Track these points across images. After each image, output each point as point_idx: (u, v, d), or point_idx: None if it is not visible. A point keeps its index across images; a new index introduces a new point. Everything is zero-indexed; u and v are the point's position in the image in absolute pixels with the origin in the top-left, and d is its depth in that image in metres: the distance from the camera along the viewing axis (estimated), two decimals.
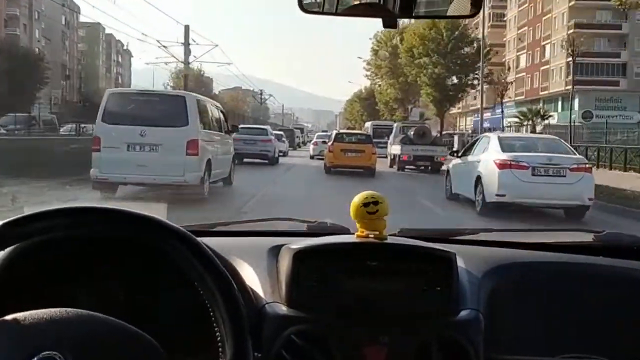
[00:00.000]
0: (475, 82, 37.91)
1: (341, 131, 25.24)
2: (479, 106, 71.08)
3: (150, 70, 69.15)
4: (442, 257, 1.25)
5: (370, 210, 1.24)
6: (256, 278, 1.26)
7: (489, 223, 9.53)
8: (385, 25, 1.17)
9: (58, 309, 0.86)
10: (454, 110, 76.66)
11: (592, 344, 1.33)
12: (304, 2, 1.19)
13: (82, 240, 1.07)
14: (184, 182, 10.16)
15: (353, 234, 1.30)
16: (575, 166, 10.55)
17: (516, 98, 57.30)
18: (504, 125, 37.73)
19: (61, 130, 29.64)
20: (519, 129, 37.85)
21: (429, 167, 21.64)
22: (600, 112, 39.40)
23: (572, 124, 28.36)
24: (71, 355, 0.81)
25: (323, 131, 52.46)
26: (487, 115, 66.65)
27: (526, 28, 58.79)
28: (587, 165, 11.18)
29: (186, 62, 28.65)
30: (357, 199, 1.26)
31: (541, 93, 53.43)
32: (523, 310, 1.34)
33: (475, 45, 37.98)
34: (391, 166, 23.66)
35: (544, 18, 55.31)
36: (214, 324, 0.97)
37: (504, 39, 62.69)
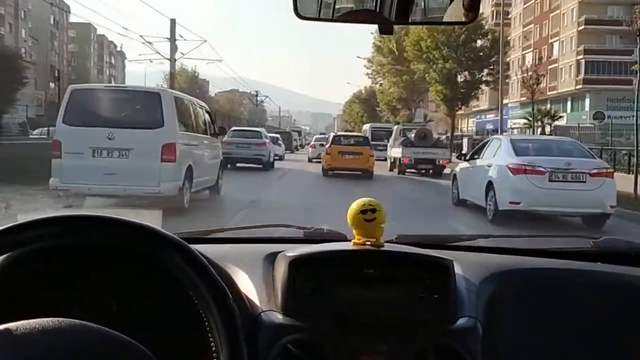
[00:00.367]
0: (489, 78, 35.03)
1: (339, 134, 25.21)
2: (482, 107, 70.31)
3: (148, 73, 68.64)
4: (440, 264, 1.25)
5: (368, 217, 1.25)
6: (252, 286, 1.26)
7: (501, 232, 8.84)
8: (381, 32, 1.18)
9: (51, 319, 0.85)
10: (458, 111, 76.47)
11: (591, 352, 1.35)
12: (300, 8, 1.20)
13: (75, 248, 1.08)
14: (158, 193, 9.02)
15: (350, 240, 1.31)
16: (595, 171, 9.98)
17: (521, 99, 56.19)
18: (509, 127, 37.03)
19: (32, 133, 28.88)
20: (524, 131, 36.85)
21: (431, 171, 21.36)
22: (613, 113, 38.54)
23: (584, 124, 27.65)
24: None
25: (321, 134, 52.30)
26: (490, 116, 66.20)
27: (532, 25, 58.04)
28: (609, 170, 10.58)
29: (172, 59, 27.30)
30: (355, 205, 1.27)
31: (549, 93, 51.47)
32: (521, 317, 1.34)
33: (489, 37, 34.86)
34: (391, 170, 23.32)
35: (551, 15, 54.51)
36: (209, 333, 0.98)
37: (508, 37, 61.63)
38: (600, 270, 1.46)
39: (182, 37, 28.58)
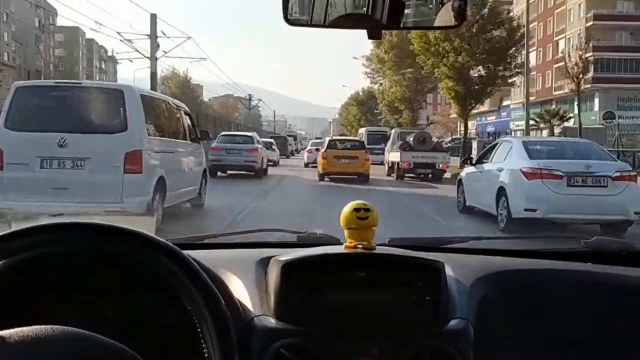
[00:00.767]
0: (506, 73, 31.32)
1: (334, 138, 25.09)
2: (482, 109, 69.50)
3: (142, 80, 67.60)
4: (431, 267, 1.28)
5: (361, 215, 1.28)
6: (245, 291, 1.28)
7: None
8: (370, 37, 1.21)
9: (44, 327, 0.87)
10: (454, 115, 75.45)
11: (583, 352, 1.36)
12: (289, 14, 1.21)
13: (69, 255, 1.08)
14: (121, 210, 7.56)
15: (342, 244, 1.33)
16: (617, 174, 9.36)
17: (524, 99, 55.38)
18: (512, 129, 36.08)
19: None
20: (527, 133, 35.79)
21: (430, 175, 21.28)
22: (624, 113, 37.62)
23: (592, 125, 26.89)
24: None
25: (317, 138, 52.19)
26: (491, 118, 65.53)
27: (536, 23, 57.36)
28: (632, 174, 9.89)
29: (153, 57, 25.45)
30: (348, 206, 1.30)
31: (555, 93, 50.36)
32: (513, 318, 1.35)
33: (507, 26, 30.76)
34: (389, 174, 23.10)
35: (556, 11, 53.79)
36: (202, 339, 1.00)
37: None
38: (590, 270, 1.48)
39: (164, 34, 27.08)
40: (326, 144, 21.14)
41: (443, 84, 32.61)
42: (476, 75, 31.47)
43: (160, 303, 1.15)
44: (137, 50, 26.24)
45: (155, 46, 25.20)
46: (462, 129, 34.79)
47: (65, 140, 7.68)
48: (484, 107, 66.87)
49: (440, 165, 21.11)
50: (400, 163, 21.10)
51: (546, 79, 54.11)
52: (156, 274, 1.01)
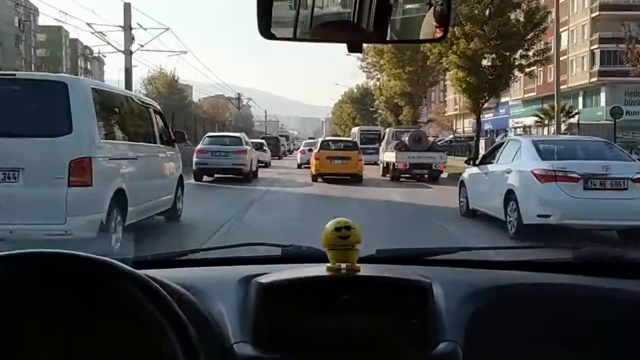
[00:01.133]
0: (524, 61, 27.54)
1: (327, 138, 25.11)
2: (480, 106, 68.76)
3: (134, 81, 66.50)
4: (417, 287, 1.25)
5: (342, 234, 1.25)
6: (224, 314, 1.24)
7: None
8: (350, 50, 1.19)
9: None
10: (450, 112, 74.55)
11: None
12: (266, 29, 1.17)
13: (12, 290, 1.02)
14: (64, 234, 6.15)
15: (326, 264, 1.30)
16: (639, 176, 8.64)
17: (525, 95, 54.36)
18: (510, 126, 35.14)
19: None
20: (526, 130, 34.84)
21: (426, 176, 21.00)
22: (632, 108, 36.51)
23: (602, 121, 26.02)
24: None
25: (310, 138, 51.98)
26: (488, 116, 64.79)
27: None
28: None
29: (127, 51, 23.80)
30: (329, 225, 1.27)
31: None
32: (503, 337, 1.32)
33: (525, 7, 26.84)
34: (384, 175, 22.64)
35: (560, 1, 52.67)
36: None
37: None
38: (582, 284, 1.45)
39: (140, 25, 25.44)
40: (319, 145, 21.13)
41: (452, 75, 28.94)
42: (490, 64, 27.66)
43: (123, 334, 1.04)
44: (109, 44, 24.89)
45: (129, 39, 23.62)
46: (458, 127, 33.18)
47: None
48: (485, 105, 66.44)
49: (437, 166, 20.77)
50: (395, 163, 20.69)
51: (547, 73, 52.74)
52: (117, 302, 0.96)
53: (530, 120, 47.80)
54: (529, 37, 26.77)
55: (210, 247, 1.83)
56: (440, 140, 41.30)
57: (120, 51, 24.22)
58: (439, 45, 25.99)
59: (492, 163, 10.69)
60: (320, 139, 24.80)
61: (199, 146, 18.98)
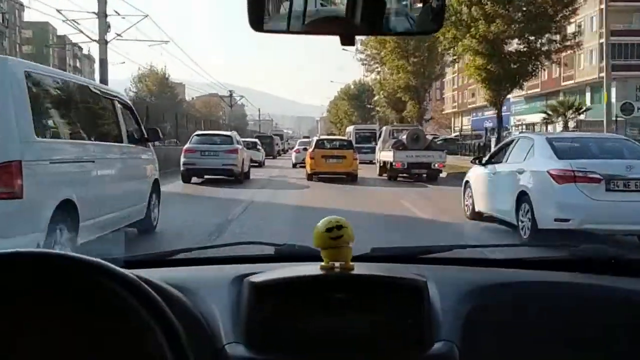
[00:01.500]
0: (552, 47, 24.63)
1: (322, 137, 24.91)
2: (478, 104, 67.75)
3: (123, 81, 65.55)
4: (413, 286, 1.25)
5: (334, 235, 1.25)
6: (216, 314, 1.24)
7: None
8: (342, 43, 1.19)
9: None
10: (448, 110, 73.87)
11: None
12: (256, 21, 1.17)
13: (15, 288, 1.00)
14: None
15: (319, 263, 1.30)
16: None
17: (528, 92, 53.25)
18: (512, 124, 34.15)
19: None
20: (529, 128, 33.70)
21: (425, 175, 20.62)
22: None
23: (613, 118, 25.05)
24: None
25: (304, 137, 51.66)
26: (489, 113, 64.02)
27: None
28: None
29: (102, 41, 22.16)
30: (320, 224, 1.26)
31: (564, 83, 46.83)
32: (500, 336, 1.31)
33: None
34: (380, 175, 22.22)
35: None
36: None
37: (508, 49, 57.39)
38: (581, 282, 1.45)
39: (117, 12, 23.92)
40: (314, 144, 21.10)
41: (469, 64, 25.24)
42: (513, 49, 24.48)
43: (110, 335, 1.02)
44: (82, 32, 23.47)
45: (104, 27, 22.05)
46: (456, 125, 31.73)
47: None
48: (482, 102, 65.25)
49: (436, 165, 20.33)
50: (393, 163, 20.28)
51: (552, 68, 51.69)
52: (104, 303, 0.95)
53: (533, 118, 46.88)
54: (557, 18, 23.77)
55: (202, 246, 1.77)
56: (436, 138, 39.88)
57: (95, 40, 22.76)
58: (453, 28, 23.73)
59: (500, 162, 10.12)
60: (315, 138, 24.75)
61: (187, 145, 18.17)
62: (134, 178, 8.07)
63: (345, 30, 1.16)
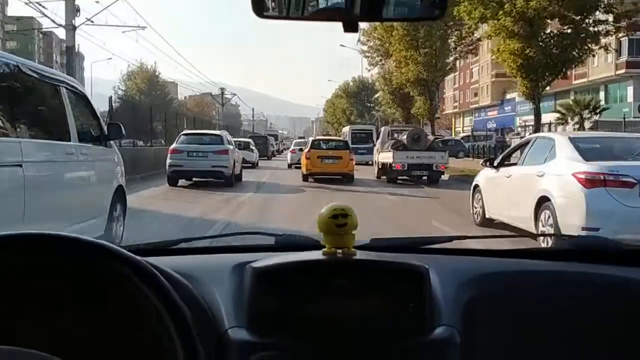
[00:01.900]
0: (602, 27, 21.10)
1: (318, 138, 24.78)
2: (481, 103, 66.57)
3: (114, 81, 64.65)
4: (414, 272, 1.27)
5: (339, 222, 1.26)
6: (218, 300, 1.26)
7: None
8: (345, 30, 1.19)
9: None
10: (449, 110, 73.02)
11: (575, 355, 1.37)
12: (260, 7, 1.18)
13: (11, 269, 1.02)
14: None
15: (322, 248, 1.32)
16: None
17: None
18: (517, 125, 33.00)
19: None
20: (534, 129, 32.41)
21: (425, 177, 19.97)
22: None
23: (630, 118, 23.82)
24: None
25: (300, 137, 51.46)
26: (492, 113, 63.51)
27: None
28: None
29: (70, 26, 20.34)
30: (325, 210, 1.28)
31: (575, 82, 44.29)
32: (500, 323, 1.34)
33: None
34: (379, 177, 21.53)
35: None
36: (166, 358, 0.98)
37: None
38: (578, 270, 1.47)
39: None
40: (309, 144, 21.26)
41: (502, 48, 21.51)
42: (554, 33, 20.82)
43: (119, 319, 1.05)
44: (45, 15, 21.73)
45: (72, 11, 20.43)
46: (457, 126, 29.99)
47: None
48: (485, 102, 64.01)
49: (438, 167, 19.75)
50: (393, 164, 19.59)
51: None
52: (114, 287, 0.98)
53: (543, 119, 45.88)
54: None
55: (202, 236, 1.79)
56: (438, 140, 38.64)
57: (61, 25, 21.21)
58: (481, 6, 20.58)
59: (515, 165, 9.51)
60: (311, 139, 24.74)
61: (173, 145, 17.24)
62: (86, 185, 6.69)
63: (347, 16, 1.15)
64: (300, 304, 1.20)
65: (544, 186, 7.93)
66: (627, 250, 1.59)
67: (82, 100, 6.92)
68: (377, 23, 33.03)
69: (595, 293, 1.39)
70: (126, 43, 36.11)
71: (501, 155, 10.86)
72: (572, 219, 7.25)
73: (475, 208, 10.44)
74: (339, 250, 1.27)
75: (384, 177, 20.73)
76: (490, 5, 20.38)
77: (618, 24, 21.41)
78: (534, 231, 8.05)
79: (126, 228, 7.59)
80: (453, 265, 1.44)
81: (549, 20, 20.95)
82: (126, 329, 1.03)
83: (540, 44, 20.39)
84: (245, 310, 1.21)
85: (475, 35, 29.27)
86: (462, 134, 53.18)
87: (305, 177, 20.01)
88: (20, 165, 5.21)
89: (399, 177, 20.01)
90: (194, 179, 17.29)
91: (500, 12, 20.13)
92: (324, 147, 20.80)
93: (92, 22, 22.94)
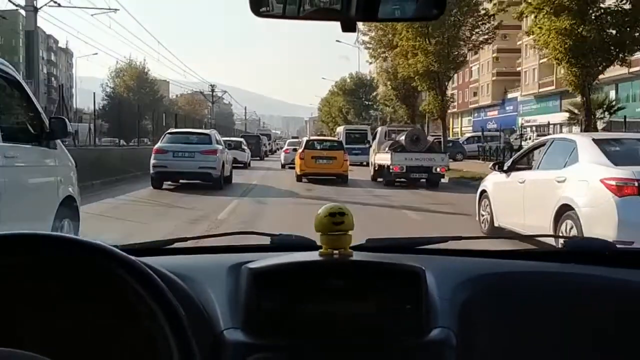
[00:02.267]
0: None
1: (312, 138, 24.86)
2: (481, 103, 65.69)
3: (102, 79, 63.64)
4: (411, 273, 1.27)
5: (337, 220, 1.27)
6: (214, 301, 1.26)
7: None
8: (343, 30, 1.20)
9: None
10: (454, 109, 72.22)
11: (570, 357, 1.38)
12: (257, 6, 1.20)
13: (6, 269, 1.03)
14: None
15: (319, 248, 1.32)
16: None
17: (540, 90, 51.37)
18: (520, 125, 31.95)
19: None
20: (539, 129, 31.63)
21: (424, 180, 19.44)
22: None
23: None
24: None
25: (293, 137, 51.13)
26: (492, 113, 62.88)
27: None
28: None
29: (30, 7, 18.77)
30: (322, 210, 1.29)
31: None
32: (496, 324, 1.35)
33: None
34: (374, 179, 21.10)
35: None
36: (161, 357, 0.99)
37: (518, 43, 55.13)
38: (573, 271, 1.48)
39: None
40: (303, 144, 21.32)
41: (545, 28, 17.18)
42: (611, 10, 16.96)
43: (114, 319, 1.06)
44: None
45: None
46: (454, 127, 27.56)
47: None
48: (486, 101, 63.14)
49: (438, 169, 19.29)
50: (390, 166, 19.05)
51: None
52: (108, 287, 0.98)
53: (544, 119, 45.26)
54: None
55: (197, 235, 1.85)
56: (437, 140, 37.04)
57: (20, 7, 19.55)
58: None
59: (529, 169, 8.91)
60: (305, 139, 24.78)
61: (157, 145, 16.43)
62: (13, 200, 5.27)
63: (344, 15, 1.15)
64: (297, 305, 1.20)
65: (565, 193, 7.29)
66: (621, 252, 1.62)
67: (12, 88, 5.57)
68: None
69: (590, 294, 1.41)
70: (109, 37, 34.80)
71: (512, 159, 10.20)
72: (601, 231, 6.50)
73: (483, 215, 9.78)
74: (336, 251, 1.28)
75: (380, 178, 20.23)
76: None
77: None
78: (553, 243, 7.33)
79: None
80: (449, 266, 1.45)
81: None
82: (120, 329, 1.02)
83: (595, 21, 16.73)
84: (241, 311, 1.22)
85: (492, 22, 27.25)
86: (467, 135, 52.09)
87: (299, 178, 20.23)
88: None
89: (397, 180, 19.47)
90: (181, 180, 16.51)
91: None
92: (318, 148, 20.92)
93: (57, 3, 21.30)
